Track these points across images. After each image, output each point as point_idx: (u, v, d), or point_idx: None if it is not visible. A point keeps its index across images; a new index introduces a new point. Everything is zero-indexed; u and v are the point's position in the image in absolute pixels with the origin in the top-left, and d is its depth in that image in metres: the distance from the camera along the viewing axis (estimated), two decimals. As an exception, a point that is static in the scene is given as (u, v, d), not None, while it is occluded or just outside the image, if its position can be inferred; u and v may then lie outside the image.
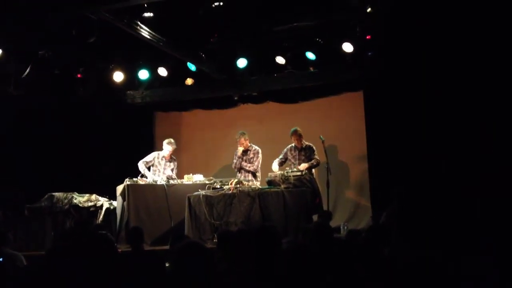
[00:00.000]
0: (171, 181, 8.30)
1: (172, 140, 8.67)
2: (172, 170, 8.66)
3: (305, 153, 8.24)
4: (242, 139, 8.44)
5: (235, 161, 8.48)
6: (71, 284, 2.82)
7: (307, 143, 8.31)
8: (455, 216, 6.77)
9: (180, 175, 8.61)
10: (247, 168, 8.40)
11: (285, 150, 8.40)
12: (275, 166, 8.12)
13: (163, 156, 8.66)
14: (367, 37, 8.36)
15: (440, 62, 8.10)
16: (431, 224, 5.88)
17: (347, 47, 8.43)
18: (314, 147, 8.27)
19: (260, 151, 8.51)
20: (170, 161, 8.70)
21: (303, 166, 7.90)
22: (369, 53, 8.64)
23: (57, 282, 2.82)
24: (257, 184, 8.13)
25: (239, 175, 8.35)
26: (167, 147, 8.60)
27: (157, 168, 8.62)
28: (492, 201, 7.18)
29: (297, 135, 8.24)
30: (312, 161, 8.10)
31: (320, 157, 8.18)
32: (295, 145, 8.32)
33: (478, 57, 7.76)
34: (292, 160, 8.28)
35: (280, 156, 8.37)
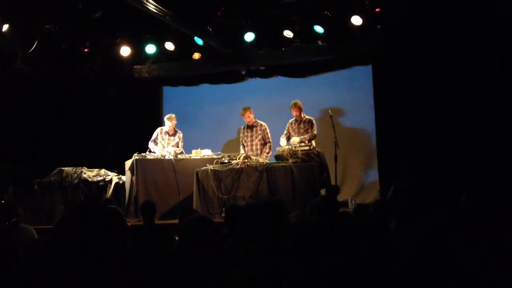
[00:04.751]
0: (180, 156, 8.32)
1: (172, 115, 8.71)
2: (177, 144, 8.67)
3: (304, 126, 8.23)
4: (248, 113, 8.43)
5: (242, 138, 8.52)
6: (81, 258, 2.85)
7: (307, 116, 8.30)
8: (462, 190, 6.75)
9: (188, 150, 8.60)
10: (265, 154, 8.34)
11: (287, 124, 8.39)
12: (283, 141, 8.11)
13: (166, 131, 8.69)
14: (376, 10, 8.25)
15: (451, 34, 7.99)
16: (437, 198, 5.87)
17: (356, 20, 8.31)
18: (313, 121, 8.24)
19: (266, 126, 8.49)
20: (173, 135, 8.71)
21: (294, 140, 7.89)
22: (378, 26, 8.54)
23: (66, 256, 2.85)
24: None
25: (250, 153, 8.30)
26: (167, 122, 8.70)
27: (161, 143, 8.66)
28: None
29: (297, 107, 8.20)
30: (306, 135, 8.05)
31: (329, 132, 8.11)
32: (295, 118, 8.29)
33: (491, 33, 7.63)
34: (293, 134, 8.27)
35: (285, 132, 8.35)
